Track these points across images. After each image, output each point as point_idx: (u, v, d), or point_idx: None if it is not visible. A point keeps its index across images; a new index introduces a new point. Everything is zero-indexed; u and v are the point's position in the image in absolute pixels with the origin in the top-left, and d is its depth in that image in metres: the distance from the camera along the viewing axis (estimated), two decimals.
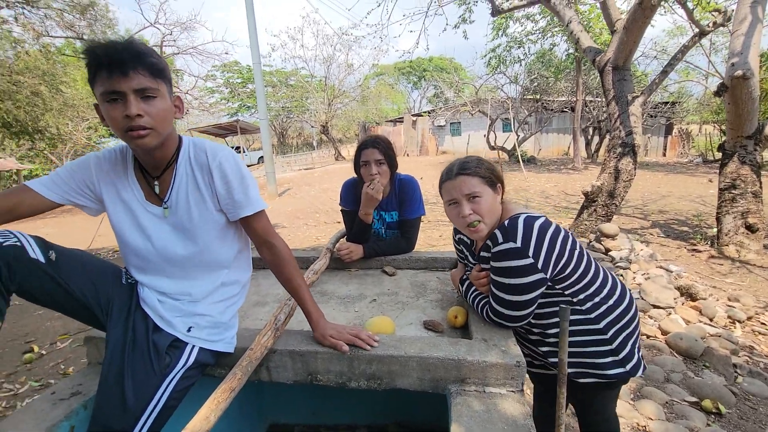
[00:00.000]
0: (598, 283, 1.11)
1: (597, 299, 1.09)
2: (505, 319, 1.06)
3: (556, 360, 1.12)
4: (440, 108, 20.06)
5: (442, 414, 1.78)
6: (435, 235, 5.51)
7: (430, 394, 0.99)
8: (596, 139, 17.00)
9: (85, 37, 11.21)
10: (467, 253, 1.29)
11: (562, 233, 1.06)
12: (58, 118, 11.05)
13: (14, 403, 2.21)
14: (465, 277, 1.29)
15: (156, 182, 0.99)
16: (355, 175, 1.81)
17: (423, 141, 22.53)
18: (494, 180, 1.12)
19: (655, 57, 12.28)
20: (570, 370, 1.09)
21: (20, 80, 9.76)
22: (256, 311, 1.42)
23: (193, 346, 0.97)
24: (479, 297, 1.16)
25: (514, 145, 14.21)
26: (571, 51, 13.14)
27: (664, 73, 4.13)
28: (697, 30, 3.80)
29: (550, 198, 8.38)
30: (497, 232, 1.05)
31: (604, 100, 13.23)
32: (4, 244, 0.79)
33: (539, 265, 1.00)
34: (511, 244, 1.01)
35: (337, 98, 21.82)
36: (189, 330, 0.98)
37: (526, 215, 1.06)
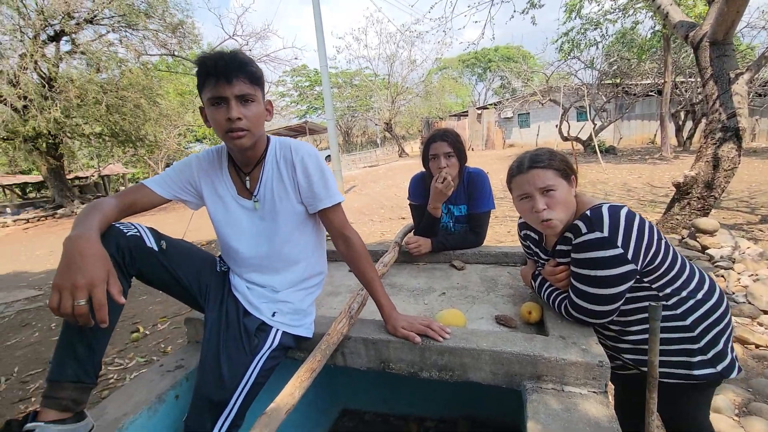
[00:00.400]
0: (685, 276, 1.01)
1: (684, 293, 0.99)
2: (588, 314, 1.00)
3: (635, 358, 1.04)
4: (507, 99, 19.24)
5: (513, 411, 1.73)
6: (503, 231, 5.33)
7: (501, 391, 0.98)
8: (689, 124, 15.15)
9: (176, 53, 12.52)
10: (535, 249, 1.24)
11: (647, 223, 0.98)
12: (155, 127, 12.48)
13: (124, 375, 2.56)
14: (537, 272, 1.24)
15: (247, 178, 1.09)
16: (423, 170, 1.82)
17: (489, 134, 21.81)
18: (568, 172, 1.06)
19: (764, 27, 10.58)
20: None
21: (125, 95, 11.18)
22: (330, 300, 1.49)
23: (277, 330, 1.06)
24: (555, 292, 1.11)
25: (591, 134, 13.16)
26: (657, 28, 11.82)
27: None
28: None
29: (633, 191, 7.66)
30: (579, 222, 1.00)
31: (695, 79, 11.65)
32: (128, 234, 0.93)
33: (629, 256, 0.93)
34: (597, 234, 0.95)
35: (401, 95, 21.93)
36: (273, 315, 1.07)
37: (608, 204, 0.99)
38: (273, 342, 1.04)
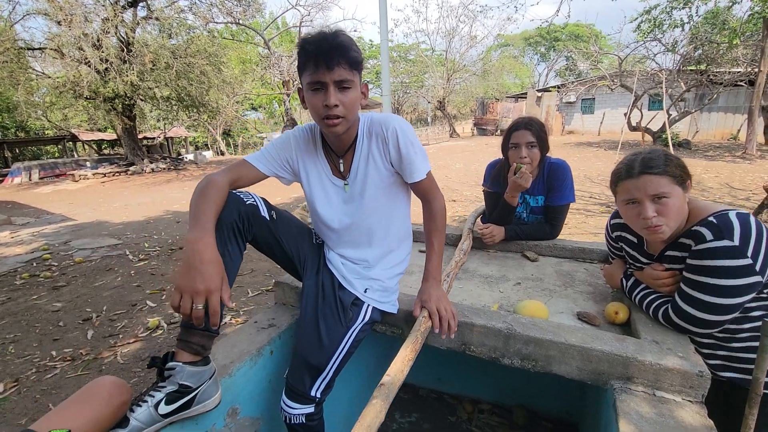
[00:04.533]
0: None
1: None
2: (693, 322, 0.97)
3: (725, 364, 1.00)
4: (572, 82, 18.06)
5: (573, 408, 1.73)
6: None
7: (562, 387, 0.97)
8: None
9: (239, 21, 12.85)
10: (632, 252, 1.20)
11: None
12: (218, 93, 13.04)
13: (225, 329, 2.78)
14: (629, 273, 1.20)
15: (341, 161, 1.13)
16: (500, 157, 1.79)
17: (547, 119, 20.71)
18: (684, 177, 1.01)
19: None
20: (742, 377, 0.98)
21: (192, 61, 11.72)
22: (405, 279, 1.54)
23: (368, 306, 1.13)
24: (653, 296, 1.08)
25: (664, 125, 12.11)
26: (756, 9, 10.45)
27: None
28: None
29: (708, 191, 7.03)
30: (702, 229, 0.95)
31: None
32: (247, 202, 1.01)
33: (757, 267, 0.89)
34: (726, 243, 0.91)
35: (457, 73, 21.24)
36: (365, 291, 1.14)
37: (736, 211, 0.94)
38: (365, 317, 1.11)
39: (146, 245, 4.98)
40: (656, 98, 15.48)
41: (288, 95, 12.81)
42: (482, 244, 1.79)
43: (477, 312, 1.13)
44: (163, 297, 3.34)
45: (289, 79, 12.68)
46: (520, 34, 33.98)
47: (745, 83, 13.57)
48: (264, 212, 1.05)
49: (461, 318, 1.11)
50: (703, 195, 6.68)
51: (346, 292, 1.12)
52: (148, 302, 3.25)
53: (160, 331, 2.77)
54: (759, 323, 0.96)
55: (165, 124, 19.22)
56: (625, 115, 12.95)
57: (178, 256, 4.48)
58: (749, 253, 0.89)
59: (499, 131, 21.48)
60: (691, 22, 12.67)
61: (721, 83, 13.60)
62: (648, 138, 13.22)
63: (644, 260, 1.16)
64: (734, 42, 11.99)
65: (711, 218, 0.96)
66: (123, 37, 11.28)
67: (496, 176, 1.78)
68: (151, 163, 14.23)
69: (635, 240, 1.18)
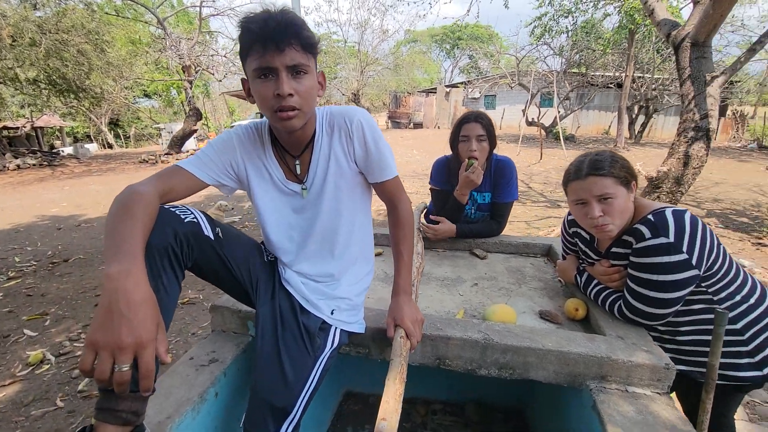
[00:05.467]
0: (739, 281, 1.05)
1: (737, 298, 1.04)
2: (644, 316, 1.02)
3: (679, 358, 1.09)
4: (477, 79, 19.33)
5: (522, 394, 1.79)
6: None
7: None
8: (641, 118, 16.09)
9: None
10: (585, 249, 1.24)
11: (708, 228, 1.01)
12: (102, 77, 11.26)
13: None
14: (582, 268, 1.25)
15: (297, 162, 0.97)
16: (447, 154, 1.76)
17: (455, 113, 21.89)
18: (629, 178, 1.06)
19: (733, 31, 11.34)
20: (698, 370, 1.06)
21: (67, 39, 9.92)
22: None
23: (336, 328, 0.99)
24: (606, 292, 1.12)
25: (554, 120, 13.63)
26: (624, 23, 12.22)
27: (752, 51, 3.78)
28: None
29: None
30: (642, 227, 1.00)
31: (653, 76, 12.30)
32: (186, 220, 0.80)
33: (693, 261, 0.95)
34: (662, 240, 0.96)
35: (370, 65, 21.30)
36: (332, 313, 0.99)
37: (672, 208, 1.00)
38: (333, 342, 0.97)
39: (17, 259, 4.09)
40: (548, 96, 17.32)
41: (190, 82, 11.56)
42: (430, 243, 1.75)
43: (450, 323, 1.07)
44: (47, 323, 2.74)
45: (191, 64, 11.44)
46: (427, 31, 35.30)
47: (614, 86, 15.84)
48: (207, 230, 0.84)
49: (435, 331, 1.04)
50: None
51: (310, 317, 0.96)
52: (26, 331, 2.64)
53: (46, 366, 2.26)
54: (700, 316, 1.04)
55: (32, 111, 16.06)
56: (523, 111, 14.28)
57: (63, 270, 3.75)
58: (684, 249, 0.95)
59: (412, 124, 22.16)
60: (572, 30, 14.40)
61: (596, 85, 15.71)
62: (542, 132, 14.75)
63: (594, 256, 1.20)
64: (607, 50, 13.91)
65: (649, 216, 1.01)
66: None
67: (444, 173, 1.75)
68: (16, 158, 11.81)
69: (588, 237, 1.23)
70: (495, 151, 1.71)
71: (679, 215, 0.99)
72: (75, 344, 2.48)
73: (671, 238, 0.96)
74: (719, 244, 1.02)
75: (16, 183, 9.63)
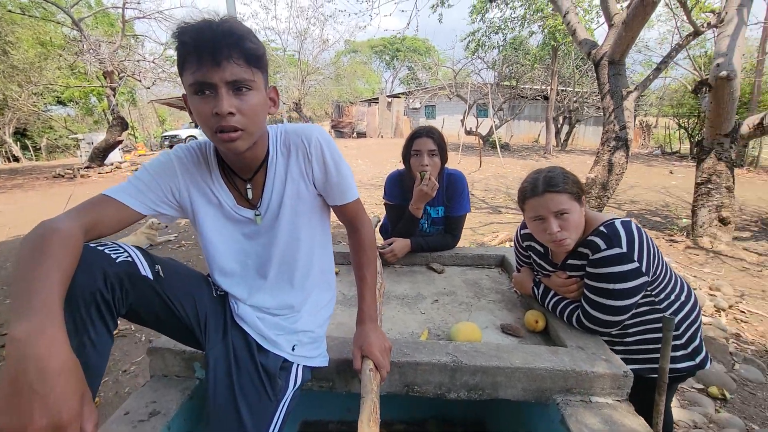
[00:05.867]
0: (673, 282, 1.14)
1: (672, 297, 1.12)
2: (602, 324, 1.06)
3: (626, 357, 1.14)
4: (418, 90, 19.91)
5: (483, 409, 1.80)
6: None
7: None
8: (566, 128, 17.55)
9: None
10: (540, 261, 1.28)
11: (648, 235, 1.08)
12: (5, 82, 9.96)
13: None
14: (538, 280, 1.28)
15: (248, 186, 0.88)
16: (399, 169, 1.75)
17: (398, 123, 22.36)
18: (580, 194, 1.11)
19: (639, 51, 12.82)
20: (640, 367, 1.12)
21: None
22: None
23: (298, 365, 0.90)
24: (564, 303, 1.16)
25: (490, 129, 14.40)
26: (548, 40, 13.32)
27: (658, 70, 4.26)
28: (692, 29, 3.93)
29: None
30: (596, 239, 1.05)
31: (574, 89, 13.56)
32: (118, 260, 0.67)
33: (643, 269, 1.01)
34: (616, 250, 1.01)
35: (311, 75, 21.09)
36: (293, 348, 0.91)
37: (620, 219, 1.06)
38: (296, 381, 0.88)
39: None
40: (483, 107, 18.28)
41: (114, 89, 10.60)
42: (386, 260, 1.71)
43: (417, 347, 1.03)
44: None
45: (113, 69, 10.49)
46: (367, 42, 35.85)
47: (542, 98, 17.14)
48: (144, 270, 0.72)
49: (402, 357, 0.99)
50: None
51: (269, 356, 0.87)
52: None
53: None
54: (645, 317, 1.11)
55: None
56: (462, 121, 14.93)
57: None
58: (635, 257, 1.01)
59: (355, 133, 22.22)
60: (503, 46, 15.43)
61: (526, 97, 16.90)
62: (480, 141, 15.52)
63: (550, 268, 1.24)
64: (534, 65, 15.04)
65: (602, 228, 1.07)
66: None
67: (397, 188, 1.73)
68: None
69: (542, 250, 1.26)
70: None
71: (627, 226, 1.04)
72: None
73: (624, 248, 1.01)
74: (657, 249, 1.10)
75: None
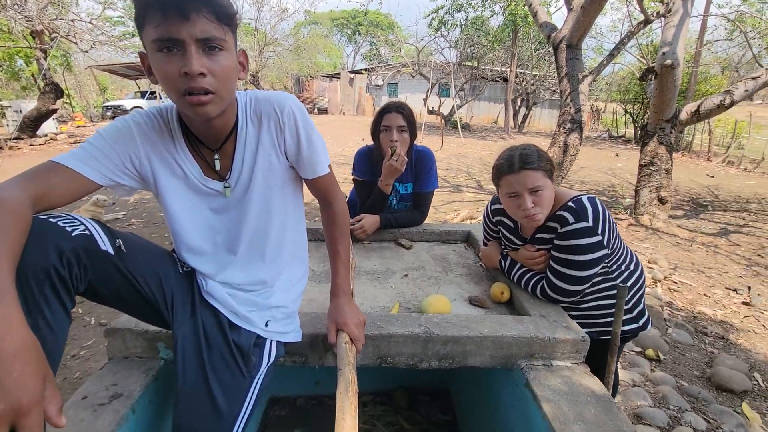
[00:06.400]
0: (625, 253, 1.23)
1: (623, 267, 1.21)
2: (565, 294, 1.12)
3: (582, 323, 1.22)
4: (380, 67, 19.58)
5: (445, 376, 1.88)
6: None
7: None
8: (523, 110, 18.09)
9: None
10: (509, 236, 1.32)
11: (607, 210, 1.15)
12: None
13: None
14: (505, 254, 1.33)
15: (216, 156, 0.82)
16: (369, 144, 1.72)
17: (360, 100, 21.98)
18: (552, 171, 1.15)
19: (593, 37, 13.31)
20: (592, 330, 1.21)
21: None
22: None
23: (272, 341, 0.88)
24: (529, 274, 1.21)
25: (452, 109, 14.54)
26: (509, 22, 13.47)
27: (611, 56, 4.45)
28: (643, 18, 4.11)
29: (488, 165, 8.84)
30: (566, 213, 1.09)
31: (532, 72, 13.92)
32: (74, 233, 0.61)
33: (605, 242, 1.07)
34: (583, 224, 1.06)
35: (269, 46, 20.08)
36: (266, 324, 0.88)
37: (586, 196, 1.12)
38: (269, 357, 0.86)
39: None
40: (446, 87, 18.37)
41: (44, 52, 9.52)
42: (355, 236, 1.70)
43: (389, 320, 1.05)
44: None
45: (44, 29, 9.38)
46: (328, 14, 34.53)
47: (501, 80, 17.47)
48: (104, 243, 0.67)
49: (376, 330, 1.00)
50: (486, 168, 8.38)
51: (242, 333, 0.84)
52: None
53: None
54: (600, 285, 1.19)
55: None
56: (424, 100, 14.94)
57: None
58: (599, 231, 1.08)
59: (316, 110, 21.64)
60: (465, 25, 15.44)
61: (486, 78, 17.15)
62: (442, 121, 15.66)
63: (518, 242, 1.29)
64: (495, 45, 15.21)
65: (570, 203, 1.12)
66: None
67: (367, 164, 1.71)
68: None
69: (512, 224, 1.30)
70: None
71: (593, 201, 1.10)
72: None
73: (590, 222, 1.07)
74: (615, 224, 1.17)
75: None
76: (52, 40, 9.41)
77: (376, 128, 1.63)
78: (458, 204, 5.45)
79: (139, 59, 0.73)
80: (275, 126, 0.84)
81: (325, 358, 1.02)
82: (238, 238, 0.88)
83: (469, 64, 16.59)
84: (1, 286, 0.48)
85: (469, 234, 1.76)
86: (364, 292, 1.33)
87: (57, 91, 9.59)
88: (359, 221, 1.64)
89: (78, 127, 14.01)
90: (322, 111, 21.73)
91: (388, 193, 1.65)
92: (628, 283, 1.20)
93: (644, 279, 1.26)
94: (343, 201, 1.00)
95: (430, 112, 15.64)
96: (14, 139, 9.44)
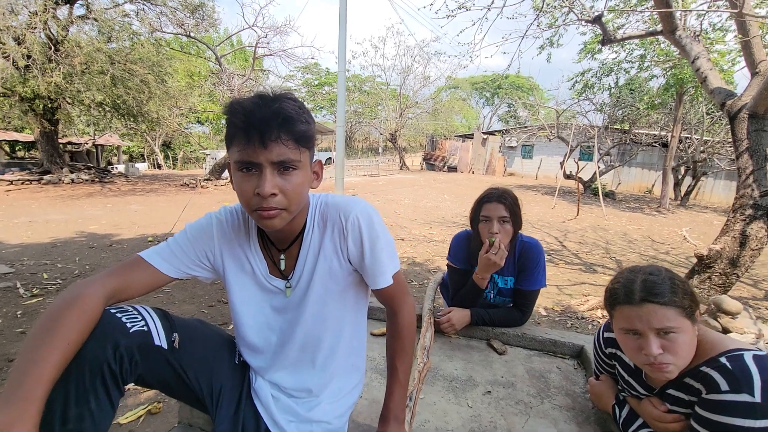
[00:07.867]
0: None
1: None
2: None
3: None
4: (515, 128, 19.30)
5: None
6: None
7: None
8: (688, 180, 15.31)
9: (191, 34, 12.23)
10: (628, 378, 1.02)
11: None
12: (159, 105, 12.13)
13: None
14: (622, 398, 1.02)
15: (282, 256, 0.86)
16: (468, 229, 1.61)
17: (491, 160, 21.82)
18: (693, 308, 0.86)
19: None
20: None
21: (133, 69, 10.83)
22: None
23: None
24: None
25: (594, 175, 13.18)
26: (672, 83, 11.93)
27: None
28: None
29: (634, 243, 7.57)
30: (715, 374, 0.79)
31: (700, 137, 11.75)
32: (132, 329, 0.69)
33: None
34: (744, 398, 0.74)
35: (409, 108, 21.88)
36: None
37: (753, 353, 0.79)
38: None
39: (45, 276, 4.19)
40: (588, 150, 16.94)
41: None
42: (442, 330, 1.55)
43: None
44: None
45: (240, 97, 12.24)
46: (468, 79, 36.11)
47: (659, 144, 15.29)
48: (160, 339, 0.73)
49: None
50: (631, 247, 7.16)
51: None
52: None
53: None
54: None
55: (95, 130, 17.46)
56: (561, 164, 13.98)
57: None
58: None
59: (446, 167, 22.21)
60: (615, 88, 14.23)
61: (640, 143, 15.23)
62: (580, 186, 14.32)
63: (642, 390, 0.98)
64: (652, 108, 13.56)
65: (724, 360, 0.79)
66: (52, 35, 10.16)
67: (464, 251, 1.59)
68: (72, 172, 12.68)
69: (632, 365, 1.01)
70: (521, 231, 1.54)
71: (763, 364, 0.76)
72: None
73: (757, 398, 0.73)
74: None
75: (66, 196, 10.27)
76: None
77: (476, 216, 1.52)
78: (589, 287, 4.71)
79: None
80: (339, 233, 0.84)
81: None
82: (291, 339, 0.87)
83: (618, 127, 15.08)
84: (30, 400, 0.54)
85: (582, 349, 1.44)
86: (434, 404, 1.17)
87: None
88: (447, 314, 1.51)
89: None
90: (452, 169, 22.18)
91: (483, 288, 1.49)
92: None
93: None
94: (411, 313, 0.92)
95: (567, 177, 14.49)
96: (205, 180, 12.05)
